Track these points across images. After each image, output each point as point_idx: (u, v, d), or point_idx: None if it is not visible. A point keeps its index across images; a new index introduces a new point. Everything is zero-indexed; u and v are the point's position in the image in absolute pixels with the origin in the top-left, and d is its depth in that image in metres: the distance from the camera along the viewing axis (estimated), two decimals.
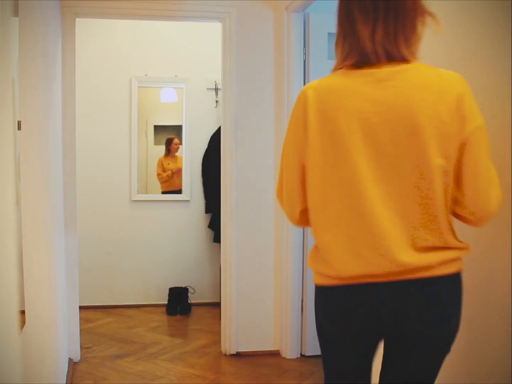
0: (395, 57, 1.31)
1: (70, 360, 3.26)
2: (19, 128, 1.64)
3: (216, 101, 4.68)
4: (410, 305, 1.29)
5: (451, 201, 1.31)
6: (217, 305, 4.38)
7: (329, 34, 3.20)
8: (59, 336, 2.69)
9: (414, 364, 1.37)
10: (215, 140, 4.39)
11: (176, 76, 4.68)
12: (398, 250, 1.27)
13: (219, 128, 4.14)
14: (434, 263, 1.27)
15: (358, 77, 1.33)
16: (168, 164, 4.79)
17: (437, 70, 1.31)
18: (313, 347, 3.39)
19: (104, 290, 4.60)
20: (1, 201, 0.86)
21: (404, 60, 1.31)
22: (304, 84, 3.33)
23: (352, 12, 1.34)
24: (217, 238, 4.45)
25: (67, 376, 3.00)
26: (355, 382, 1.47)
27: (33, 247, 1.93)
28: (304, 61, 3.35)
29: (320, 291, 1.43)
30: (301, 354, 3.45)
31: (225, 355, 3.48)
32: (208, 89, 4.70)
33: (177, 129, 4.80)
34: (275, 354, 3.48)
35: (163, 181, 4.81)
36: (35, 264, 1.96)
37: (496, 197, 1.27)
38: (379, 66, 1.32)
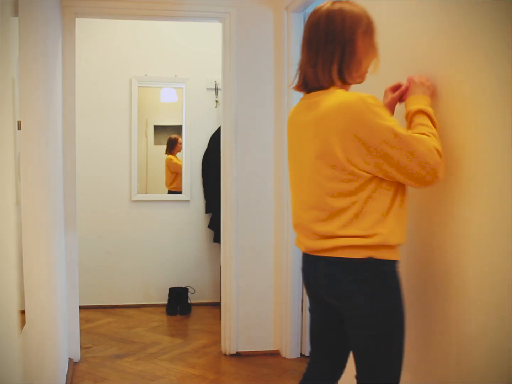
0: (325, 84, 1.57)
1: (70, 360, 3.26)
2: (19, 128, 1.64)
3: (216, 101, 4.69)
4: (320, 276, 1.63)
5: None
6: (217, 305, 4.38)
7: None
8: (59, 336, 2.69)
9: (352, 339, 1.63)
10: (215, 140, 4.39)
11: (176, 76, 4.68)
12: (306, 237, 1.66)
13: (219, 128, 4.14)
14: (330, 248, 1.57)
15: (300, 105, 1.68)
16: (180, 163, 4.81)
17: (340, 97, 1.52)
18: None
19: (104, 290, 4.60)
20: (1, 201, 0.86)
21: (332, 86, 1.57)
22: None
23: (303, 46, 1.62)
24: (217, 238, 4.45)
25: (67, 376, 3.00)
26: (319, 345, 1.79)
27: (33, 247, 1.93)
28: None
29: None
30: (301, 354, 3.45)
31: (225, 355, 3.48)
32: (208, 89, 4.70)
33: (177, 129, 4.80)
34: (275, 354, 3.48)
35: (177, 179, 4.80)
36: (35, 264, 1.96)
37: (433, 164, 1.48)
38: (314, 94, 1.60)
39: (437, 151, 1.50)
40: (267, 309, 3.50)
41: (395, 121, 1.51)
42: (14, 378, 0.88)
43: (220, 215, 3.50)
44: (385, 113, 1.50)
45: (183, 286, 4.64)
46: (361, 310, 1.57)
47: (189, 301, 4.54)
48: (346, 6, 1.58)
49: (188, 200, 4.73)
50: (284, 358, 3.41)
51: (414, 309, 1.83)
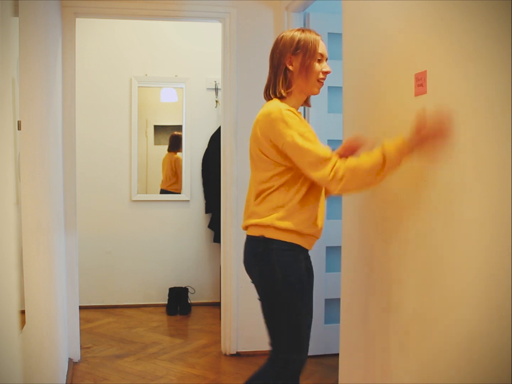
0: (269, 96, 1.92)
1: (70, 360, 3.26)
2: (19, 128, 1.64)
3: (216, 101, 4.69)
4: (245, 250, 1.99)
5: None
6: (217, 305, 4.38)
7: (329, 34, 3.20)
8: (59, 336, 2.69)
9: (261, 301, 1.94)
10: (215, 140, 4.39)
11: (176, 76, 4.69)
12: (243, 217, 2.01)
13: (219, 128, 4.14)
14: (244, 226, 1.96)
15: None
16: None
17: (268, 107, 1.84)
18: (313, 348, 3.37)
19: (104, 290, 4.60)
20: (1, 201, 0.86)
21: (271, 98, 1.91)
22: None
23: None
24: (217, 238, 4.45)
25: (67, 376, 3.00)
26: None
27: (33, 247, 1.93)
28: None
29: None
30: None
31: (225, 355, 3.47)
32: (208, 89, 4.70)
33: (177, 129, 4.80)
34: None
35: (180, 179, 4.80)
36: (35, 264, 1.96)
37: (315, 176, 1.75)
38: (265, 103, 1.95)
39: (334, 168, 1.72)
40: None
41: (307, 133, 1.78)
42: (14, 378, 0.88)
43: (220, 215, 3.50)
44: (296, 124, 1.78)
45: (183, 286, 4.64)
46: (256, 280, 1.92)
47: (189, 301, 4.54)
48: (286, 33, 1.91)
49: (188, 200, 4.73)
50: None
51: (413, 309, 1.83)
